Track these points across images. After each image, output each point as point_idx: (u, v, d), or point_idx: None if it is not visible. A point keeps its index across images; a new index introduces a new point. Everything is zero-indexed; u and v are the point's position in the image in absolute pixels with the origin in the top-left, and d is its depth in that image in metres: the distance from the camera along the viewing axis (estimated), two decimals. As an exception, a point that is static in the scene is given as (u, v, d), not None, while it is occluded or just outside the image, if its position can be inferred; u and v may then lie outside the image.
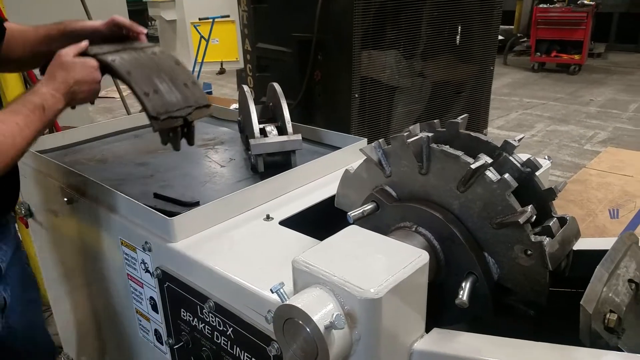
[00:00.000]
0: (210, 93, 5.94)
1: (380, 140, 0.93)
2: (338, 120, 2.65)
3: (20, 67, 1.60)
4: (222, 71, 8.57)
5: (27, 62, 1.32)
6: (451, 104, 2.93)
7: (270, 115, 1.42)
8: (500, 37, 9.02)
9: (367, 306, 0.66)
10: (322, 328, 0.64)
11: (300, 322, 0.66)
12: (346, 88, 2.55)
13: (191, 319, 0.99)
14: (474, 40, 2.94)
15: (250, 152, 1.32)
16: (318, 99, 2.71)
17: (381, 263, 0.72)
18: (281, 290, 0.71)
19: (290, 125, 1.34)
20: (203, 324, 0.97)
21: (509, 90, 6.88)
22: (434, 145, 0.83)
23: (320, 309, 0.66)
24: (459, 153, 0.80)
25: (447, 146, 0.82)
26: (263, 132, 1.33)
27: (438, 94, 2.87)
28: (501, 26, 9.58)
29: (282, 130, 1.35)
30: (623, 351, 0.65)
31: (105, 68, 1.10)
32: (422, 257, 0.74)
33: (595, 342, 0.66)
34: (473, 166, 0.75)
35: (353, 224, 0.87)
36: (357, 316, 0.67)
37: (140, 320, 1.20)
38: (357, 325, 0.68)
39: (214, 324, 0.94)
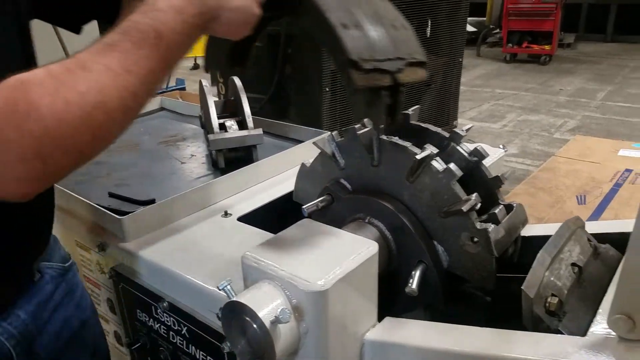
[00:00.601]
0: (183, 89, 5.87)
1: (333, 132, 0.93)
2: (309, 114, 2.65)
3: None
4: (196, 66, 8.47)
5: None
6: (421, 96, 2.96)
7: (231, 109, 1.40)
8: (473, 29, 9.15)
9: (313, 299, 0.66)
10: (267, 323, 0.64)
11: (247, 318, 0.66)
12: (316, 82, 2.55)
13: (147, 319, 0.98)
14: (442, 32, 2.96)
15: (210, 147, 1.31)
16: (290, 93, 2.72)
17: (330, 255, 0.72)
18: (228, 287, 0.70)
19: (251, 119, 1.33)
20: (159, 324, 0.96)
21: (482, 81, 6.96)
22: (383, 137, 0.83)
23: (266, 304, 0.66)
24: (407, 144, 0.80)
25: (397, 137, 0.83)
26: (223, 127, 1.31)
27: (408, 87, 2.89)
28: (473, 18, 9.59)
29: (242, 125, 1.34)
30: (564, 334, 0.66)
31: None
32: (371, 248, 0.74)
33: (538, 325, 0.67)
34: (418, 156, 0.76)
35: (308, 217, 0.87)
36: (305, 309, 0.67)
37: (101, 323, 1.18)
38: (304, 319, 0.68)
39: (169, 324, 0.93)
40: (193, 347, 0.90)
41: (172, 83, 5.91)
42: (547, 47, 7.80)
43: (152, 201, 1.09)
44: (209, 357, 0.88)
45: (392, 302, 0.86)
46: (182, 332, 0.91)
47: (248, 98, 1.37)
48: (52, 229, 0.87)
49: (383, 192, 0.86)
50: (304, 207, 0.88)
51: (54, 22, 0.87)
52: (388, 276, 0.85)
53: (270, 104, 2.65)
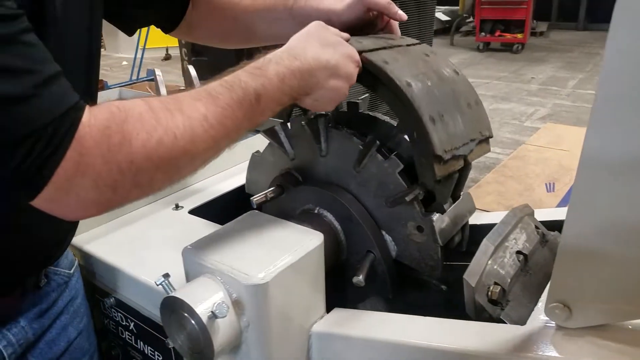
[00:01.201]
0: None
1: (282, 122, 0.91)
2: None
3: (222, 40, 1.01)
4: (167, 57, 8.34)
5: (228, 37, 0.96)
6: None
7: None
8: (446, 18, 9.17)
9: (253, 292, 0.65)
10: (204, 318, 0.62)
11: (184, 313, 0.64)
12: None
13: (97, 315, 0.95)
14: (411, 21, 2.95)
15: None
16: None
17: (273, 247, 0.71)
18: (165, 282, 0.68)
19: (208, 110, 1.30)
20: (108, 320, 0.93)
21: (455, 70, 6.99)
22: (330, 127, 0.81)
23: (204, 299, 0.64)
24: (353, 133, 0.79)
25: (344, 127, 0.81)
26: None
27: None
28: (447, 7, 9.56)
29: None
30: (505, 323, 0.66)
31: (367, 73, 0.73)
32: (315, 239, 0.73)
33: (480, 314, 0.67)
34: (363, 146, 0.74)
35: (258, 208, 0.85)
36: (245, 303, 0.66)
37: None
38: (245, 312, 0.66)
39: (117, 320, 0.91)
40: (141, 343, 0.89)
41: (143, 74, 5.81)
42: (519, 36, 7.87)
43: (101, 194, 1.06)
44: (157, 353, 0.86)
45: (345, 292, 0.85)
46: (130, 328, 0.89)
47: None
48: (72, 238, 0.85)
49: (332, 182, 0.84)
50: (252, 198, 0.86)
51: (112, 21, 0.87)
52: (339, 267, 0.84)
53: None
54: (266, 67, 0.63)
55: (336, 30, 0.72)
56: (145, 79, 5.52)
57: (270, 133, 0.90)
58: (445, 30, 9.09)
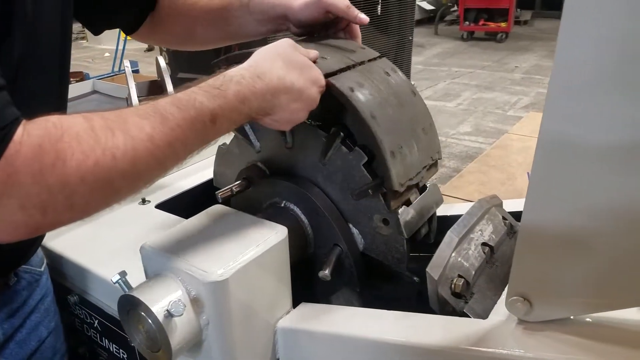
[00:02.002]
0: (137, 71, 5.66)
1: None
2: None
3: (182, 42, 1.01)
4: (150, 48, 8.23)
5: (189, 39, 0.96)
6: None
7: (156, 91, 1.34)
8: (431, 7, 9.14)
9: (212, 289, 0.63)
10: (160, 317, 0.61)
11: (141, 312, 0.62)
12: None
13: (62, 313, 0.93)
14: (392, 11, 2.94)
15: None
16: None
17: (235, 243, 0.69)
18: (122, 280, 0.67)
19: (179, 102, 1.28)
20: (73, 318, 0.91)
21: (439, 60, 6.99)
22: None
23: (160, 297, 0.62)
24: (319, 124, 0.77)
25: (309, 119, 0.79)
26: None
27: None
28: (431, -4, 9.38)
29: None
30: (469, 317, 0.65)
31: (332, 97, 0.71)
32: (279, 233, 0.71)
33: (444, 308, 0.66)
34: (326, 138, 0.73)
35: (224, 203, 0.83)
36: (204, 300, 0.64)
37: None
38: (204, 310, 0.65)
39: (82, 317, 0.89)
40: (106, 340, 0.87)
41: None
42: (503, 25, 7.87)
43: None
44: (121, 350, 0.85)
45: (314, 287, 0.84)
46: (95, 326, 0.87)
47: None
48: (44, 237, 0.83)
49: (299, 175, 0.83)
50: (217, 193, 0.85)
51: (79, 21, 0.86)
52: (307, 261, 0.83)
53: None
54: (226, 87, 0.60)
55: (305, 51, 0.70)
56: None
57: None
58: (429, 19, 9.07)
